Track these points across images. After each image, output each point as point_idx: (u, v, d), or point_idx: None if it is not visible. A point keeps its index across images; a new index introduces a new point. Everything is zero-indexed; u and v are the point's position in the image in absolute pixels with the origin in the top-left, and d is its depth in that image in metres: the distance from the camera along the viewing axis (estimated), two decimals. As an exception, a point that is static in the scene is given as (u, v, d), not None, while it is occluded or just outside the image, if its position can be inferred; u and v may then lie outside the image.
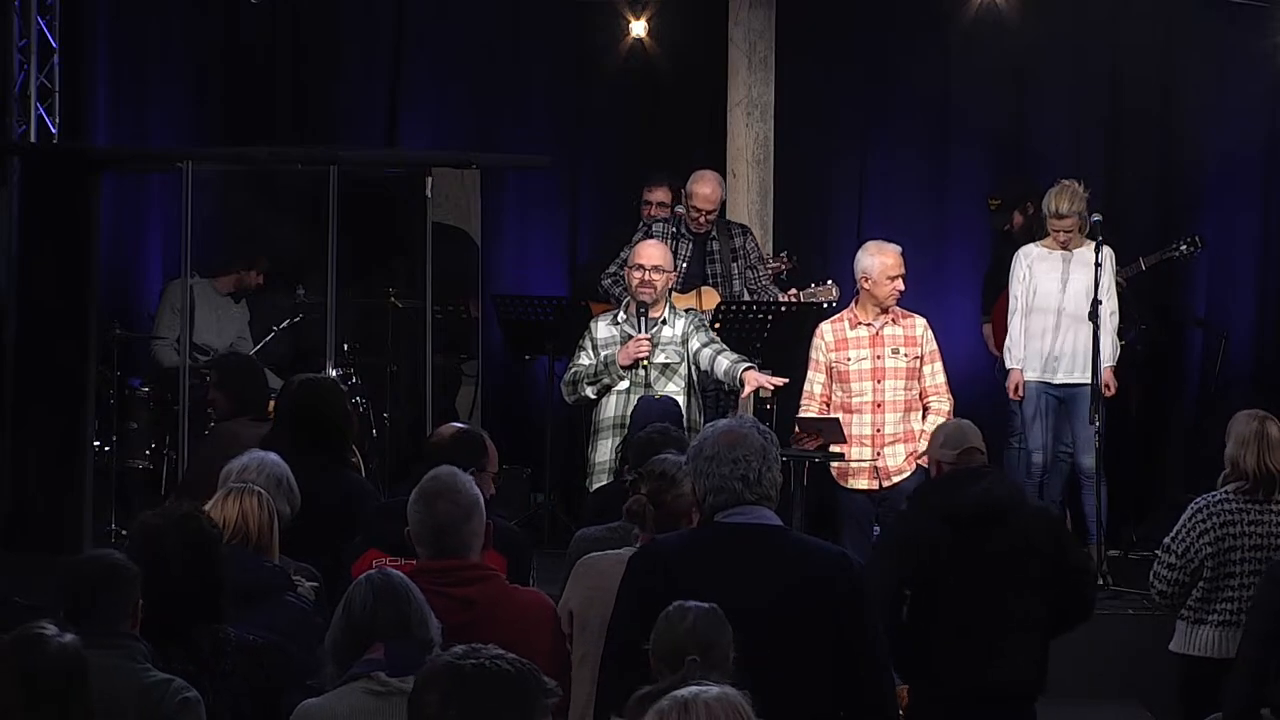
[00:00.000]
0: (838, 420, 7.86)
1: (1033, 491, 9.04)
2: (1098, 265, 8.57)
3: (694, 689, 3.19)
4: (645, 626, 4.15)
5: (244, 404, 7.32)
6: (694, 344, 8.02)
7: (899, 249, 7.96)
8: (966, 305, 10.15)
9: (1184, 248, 9.58)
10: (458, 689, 3.14)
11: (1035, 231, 9.30)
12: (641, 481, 5.28)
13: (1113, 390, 8.78)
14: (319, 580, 5.40)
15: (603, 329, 8.10)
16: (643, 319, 7.99)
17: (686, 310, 8.82)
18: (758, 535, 4.24)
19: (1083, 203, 8.74)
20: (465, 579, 4.60)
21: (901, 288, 7.87)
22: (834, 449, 7.90)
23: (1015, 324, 8.87)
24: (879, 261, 7.92)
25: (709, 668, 3.78)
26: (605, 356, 7.98)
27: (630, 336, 8.00)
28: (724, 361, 7.88)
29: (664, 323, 8.07)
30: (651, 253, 8.08)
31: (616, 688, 4.16)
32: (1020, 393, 8.85)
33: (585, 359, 8.03)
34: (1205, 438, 10.03)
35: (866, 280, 7.96)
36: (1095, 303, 8.57)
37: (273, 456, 5.64)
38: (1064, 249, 8.79)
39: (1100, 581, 8.77)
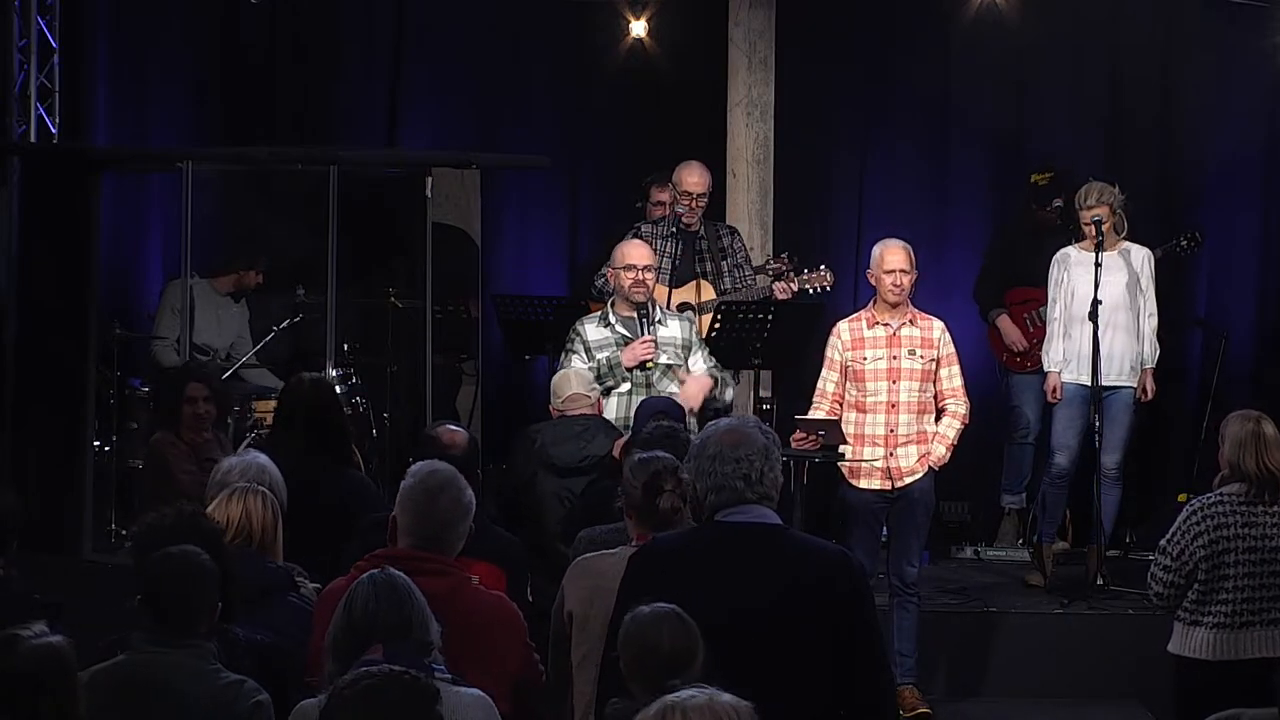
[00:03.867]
0: (837, 421, 7.84)
1: (1048, 490, 9.03)
2: (1098, 265, 8.57)
3: (682, 694, 3.20)
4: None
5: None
6: (696, 360, 8.08)
7: (905, 246, 7.89)
8: (967, 305, 10.15)
9: (1184, 243, 9.58)
10: (365, 706, 3.18)
11: (1050, 227, 9.33)
12: (661, 480, 5.26)
13: (1150, 395, 8.77)
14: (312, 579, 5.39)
15: (593, 331, 8.10)
16: (644, 320, 8.01)
17: (680, 307, 8.83)
18: (758, 534, 4.24)
19: (1112, 196, 8.73)
20: (425, 570, 4.56)
21: (899, 284, 7.80)
22: (844, 447, 7.89)
23: (1054, 327, 8.87)
24: (877, 255, 7.91)
25: (689, 681, 3.79)
26: (608, 358, 7.99)
27: (625, 337, 8.00)
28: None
29: (659, 322, 8.08)
30: (642, 253, 8.14)
31: (617, 689, 4.16)
32: (1059, 394, 8.82)
33: (578, 362, 8.03)
34: (1205, 438, 10.05)
35: (870, 274, 7.97)
36: (1095, 303, 8.57)
37: (262, 458, 5.62)
38: (1099, 250, 8.76)
39: (1100, 582, 8.79)
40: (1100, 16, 10.55)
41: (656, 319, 8.08)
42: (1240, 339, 10.50)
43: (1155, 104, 10.69)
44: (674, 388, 7.98)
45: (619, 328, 8.06)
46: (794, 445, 7.75)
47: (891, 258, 7.84)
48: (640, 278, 8.02)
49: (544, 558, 6.73)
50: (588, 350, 8.06)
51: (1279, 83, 10.31)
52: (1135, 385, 8.78)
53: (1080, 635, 8.50)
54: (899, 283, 7.80)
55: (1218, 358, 10.30)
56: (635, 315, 8.06)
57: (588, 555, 5.33)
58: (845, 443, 7.82)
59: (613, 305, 8.17)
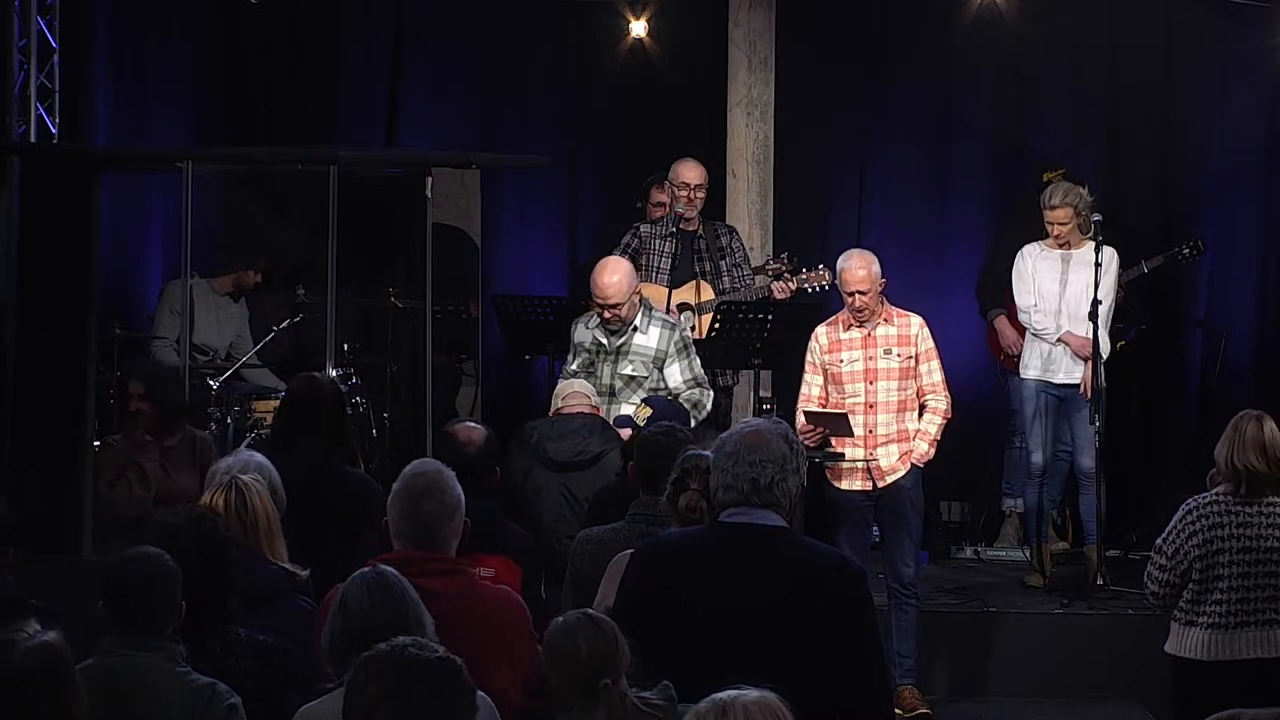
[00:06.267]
0: (846, 416, 7.84)
1: (1033, 492, 9.07)
2: (1098, 265, 8.58)
3: (733, 692, 3.21)
4: (643, 622, 4.17)
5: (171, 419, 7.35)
6: (673, 373, 8.03)
7: (863, 265, 7.84)
8: (967, 305, 10.15)
9: (1186, 250, 9.59)
10: (397, 682, 3.15)
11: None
12: (689, 478, 5.27)
13: (1090, 393, 8.75)
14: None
15: (580, 331, 8.15)
16: (611, 335, 8.03)
17: (679, 307, 8.80)
18: (756, 536, 4.24)
19: (1078, 197, 8.73)
20: (436, 570, 4.57)
21: (859, 304, 7.82)
22: (834, 449, 7.90)
23: (1026, 317, 8.87)
24: (839, 272, 7.93)
25: (618, 678, 3.82)
26: (577, 366, 8.05)
27: (601, 344, 8.02)
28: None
29: (635, 329, 8.04)
30: (607, 290, 7.94)
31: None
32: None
33: (573, 364, 8.11)
34: (1205, 438, 10.04)
35: (838, 284, 8.03)
36: (1095, 302, 8.57)
37: (258, 456, 5.61)
38: (1063, 248, 8.80)
39: (1100, 582, 8.79)
40: (1100, 16, 10.55)
41: (633, 326, 8.05)
42: (1240, 339, 10.50)
43: (1155, 104, 10.69)
44: (637, 398, 7.97)
45: (596, 332, 8.08)
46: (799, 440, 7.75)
47: (850, 280, 7.85)
48: (608, 315, 7.94)
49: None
50: (574, 351, 8.13)
51: (1279, 83, 10.31)
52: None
53: (1080, 635, 8.50)
54: (857, 303, 7.83)
55: (1218, 358, 10.30)
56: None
57: (629, 551, 5.33)
58: (851, 435, 7.82)
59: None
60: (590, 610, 4.04)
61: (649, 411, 7.55)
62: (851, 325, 7.93)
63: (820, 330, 8.02)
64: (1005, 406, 9.80)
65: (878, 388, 7.87)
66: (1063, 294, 8.76)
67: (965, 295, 10.18)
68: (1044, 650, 8.49)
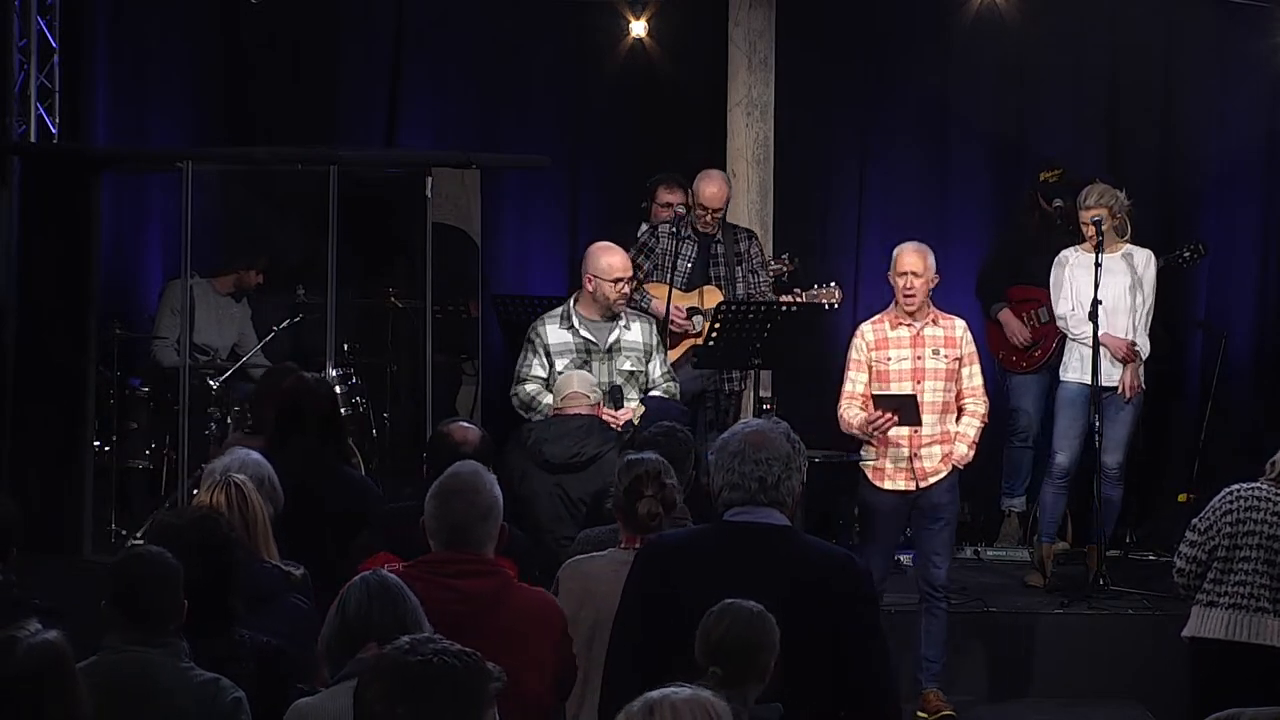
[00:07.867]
0: (915, 397, 7.78)
1: (1050, 491, 9.02)
2: (1098, 265, 8.58)
3: (666, 690, 3.19)
4: (647, 623, 4.17)
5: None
6: (654, 367, 8.09)
7: (919, 250, 7.84)
8: (967, 305, 10.13)
9: (1187, 254, 9.57)
10: (401, 685, 3.15)
11: (1051, 230, 9.34)
12: (642, 485, 5.27)
13: (1130, 393, 8.75)
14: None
15: (554, 333, 8.04)
16: (599, 330, 8.01)
17: (691, 310, 8.80)
18: (760, 535, 4.24)
19: (1113, 199, 8.73)
20: (468, 572, 4.58)
21: (910, 286, 7.76)
22: (866, 449, 7.86)
23: (1062, 324, 8.87)
24: (894, 257, 7.91)
25: (738, 680, 3.78)
26: (568, 366, 7.94)
27: (587, 340, 8.00)
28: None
29: (623, 326, 8.07)
30: (625, 262, 8.08)
31: (622, 685, 4.16)
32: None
33: (538, 369, 8.00)
34: (1205, 438, 10.04)
35: (890, 276, 7.95)
36: (1095, 302, 8.57)
37: (255, 455, 5.62)
38: (1099, 250, 8.77)
39: (1100, 582, 8.79)
40: (1100, 16, 10.56)
41: (622, 324, 8.07)
42: (1240, 339, 10.50)
43: (1155, 104, 10.69)
44: (634, 394, 7.98)
45: (582, 331, 8.03)
46: (864, 427, 7.70)
47: (904, 260, 7.83)
48: (625, 290, 8.00)
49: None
50: (547, 353, 8.02)
51: (1279, 83, 10.31)
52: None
53: (1080, 635, 8.50)
54: (910, 285, 7.77)
55: (1218, 358, 10.30)
56: (600, 318, 8.03)
57: (578, 557, 5.33)
58: (918, 423, 7.77)
59: (576, 302, 8.11)
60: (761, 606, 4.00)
61: (643, 410, 7.56)
62: (899, 324, 7.86)
63: (865, 327, 7.95)
64: (1005, 406, 9.79)
65: (925, 387, 7.80)
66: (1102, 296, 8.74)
67: (965, 295, 10.16)
68: (1044, 650, 8.48)
